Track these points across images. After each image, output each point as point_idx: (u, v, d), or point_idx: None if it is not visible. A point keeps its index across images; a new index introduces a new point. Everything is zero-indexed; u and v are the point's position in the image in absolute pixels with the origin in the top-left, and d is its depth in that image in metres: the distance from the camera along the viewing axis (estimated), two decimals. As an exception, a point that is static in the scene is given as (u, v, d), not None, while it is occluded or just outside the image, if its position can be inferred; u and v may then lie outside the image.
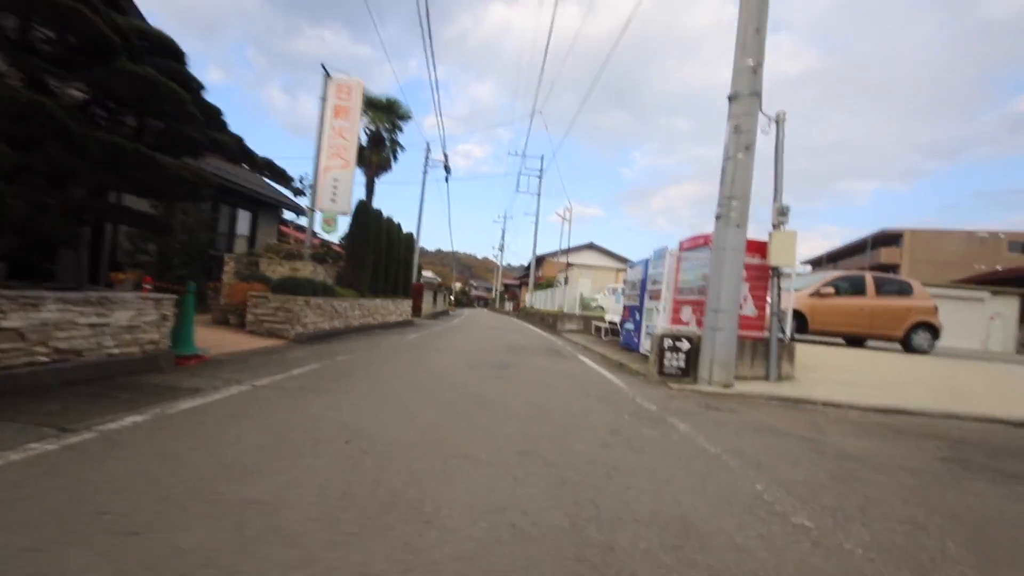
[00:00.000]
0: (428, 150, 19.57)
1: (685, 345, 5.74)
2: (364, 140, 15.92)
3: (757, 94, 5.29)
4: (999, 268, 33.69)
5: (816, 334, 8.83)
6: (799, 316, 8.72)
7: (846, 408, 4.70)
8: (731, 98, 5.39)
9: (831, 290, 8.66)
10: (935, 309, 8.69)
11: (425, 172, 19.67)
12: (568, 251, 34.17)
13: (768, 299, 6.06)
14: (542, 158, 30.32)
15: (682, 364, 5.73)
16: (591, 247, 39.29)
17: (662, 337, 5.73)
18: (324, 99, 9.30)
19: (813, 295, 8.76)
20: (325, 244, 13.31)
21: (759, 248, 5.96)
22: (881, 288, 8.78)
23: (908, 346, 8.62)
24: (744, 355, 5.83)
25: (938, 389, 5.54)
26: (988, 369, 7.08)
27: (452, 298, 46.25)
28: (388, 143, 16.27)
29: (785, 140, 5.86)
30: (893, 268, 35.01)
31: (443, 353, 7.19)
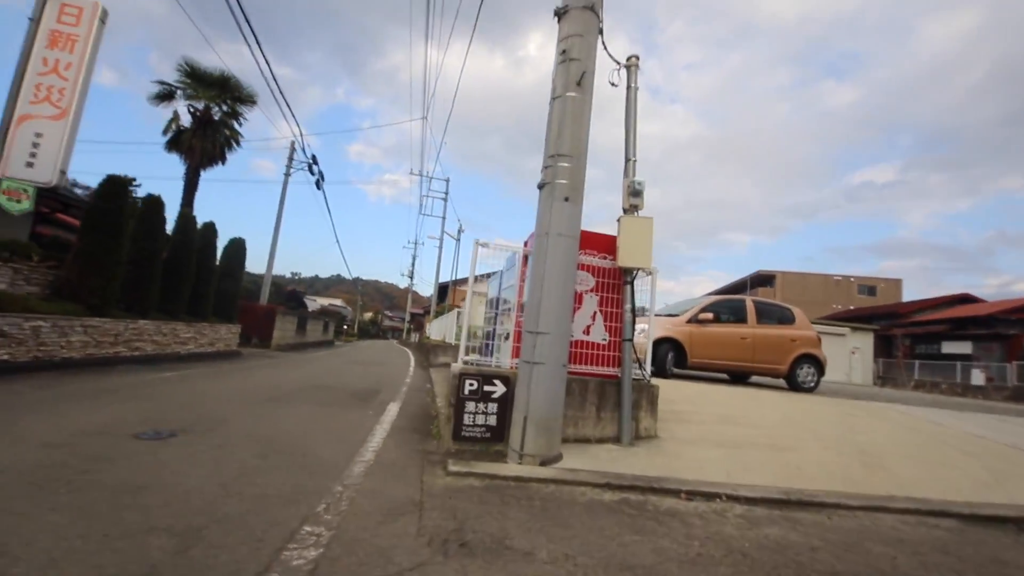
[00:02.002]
0: (293, 148, 16.50)
1: (498, 390, 3.60)
2: (187, 120, 12.58)
3: (592, 9, 3.54)
4: (852, 308, 37.98)
5: (697, 368, 7.34)
6: (677, 347, 7.18)
7: (724, 500, 2.79)
8: (559, 13, 3.60)
9: (710, 315, 7.29)
10: (819, 339, 7.70)
11: (287, 173, 16.48)
12: (477, 279, 32.14)
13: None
14: (447, 180, 28.36)
15: (492, 422, 3.56)
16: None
17: (461, 378, 3.54)
18: (36, 20, 6.26)
19: (692, 321, 7.32)
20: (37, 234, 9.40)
21: (609, 245, 4.14)
22: (763, 315, 7.62)
23: (793, 383, 7.45)
24: (587, 404, 3.83)
25: (842, 450, 3.96)
26: (880, 412, 5.96)
27: (346, 328, 41.50)
28: (224, 130, 13.05)
29: (638, 98, 4.21)
30: (769, 306, 37.85)
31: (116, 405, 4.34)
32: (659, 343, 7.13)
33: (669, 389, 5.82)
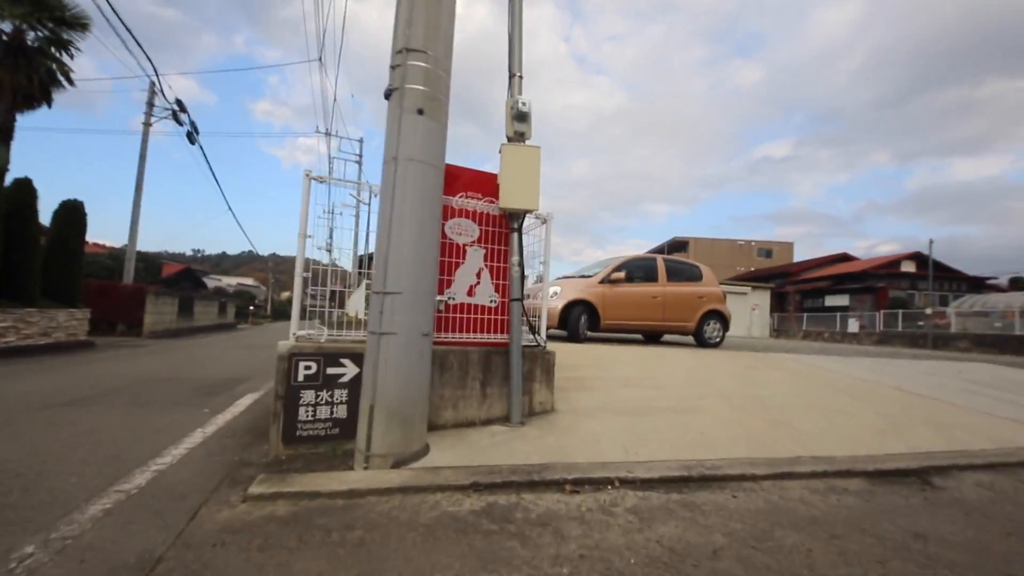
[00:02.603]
0: (152, 92, 13.63)
1: (349, 372, 2.78)
2: (-14, 50, 9.66)
3: None
4: (752, 269, 41.57)
5: (610, 331, 7.02)
6: (590, 308, 6.77)
7: (617, 486, 2.25)
8: None
9: (622, 275, 6.95)
10: (724, 296, 7.73)
11: (148, 123, 13.67)
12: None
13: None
14: (360, 140, 25.77)
15: (341, 413, 2.75)
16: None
17: (291, 360, 2.66)
18: None
19: (604, 281, 6.94)
20: None
21: (492, 186, 3.39)
22: (672, 273, 7.45)
23: (700, 339, 7.43)
24: (470, 380, 3.14)
25: (745, 407, 3.69)
26: (777, 363, 6.02)
27: (252, 308, 37.70)
28: (45, 61, 10.26)
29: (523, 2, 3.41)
30: (683, 269, 40.33)
31: None
32: (572, 305, 6.68)
33: (577, 353, 5.37)
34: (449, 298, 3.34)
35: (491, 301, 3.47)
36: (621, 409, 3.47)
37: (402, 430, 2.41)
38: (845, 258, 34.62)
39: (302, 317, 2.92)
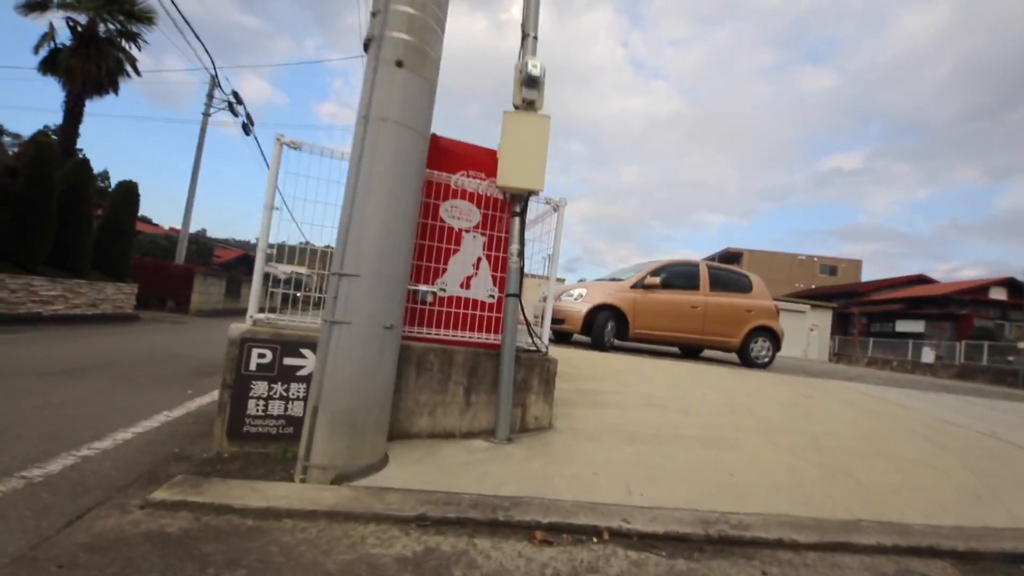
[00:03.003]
0: (213, 83, 14.35)
1: (310, 364, 2.42)
2: (66, 36, 10.43)
3: None
4: (813, 287, 38.56)
5: (639, 340, 6.37)
6: (619, 315, 6.16)
7: (606, 539, 1.73)
8: None
9: (657, 280, 6.27)
10: (776, 311, 6.85)
11: (207, 113, 14.38)
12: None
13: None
14: None
15: (297, 410, 2.40)
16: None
17: (243, 346, 2.34)
18: None
19: (636, 286, 6.30)
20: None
21: (491, 163, 2.93)
22: (717, 282, 6.67)
23: (746, 358, 6.59)
24: (451, 384, 2.69)
25: (792, 444, 3.01)
26: (837, 392, 5.14)
27: (298, 295, 39.13)
28: (114, 51, 10.93)
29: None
30: (735, 282, 37.98)
31: None
32: (598, 310, 6.11)
33: (597, 363, 4.81)
34: (440, 289, 2.93)
35: (489, 296, 3.02)
36: (634, 434, 2.91)
37: (350, 439, 2.00)
38: (922, 280, 31.25)
39: (287, 304, 2.60)
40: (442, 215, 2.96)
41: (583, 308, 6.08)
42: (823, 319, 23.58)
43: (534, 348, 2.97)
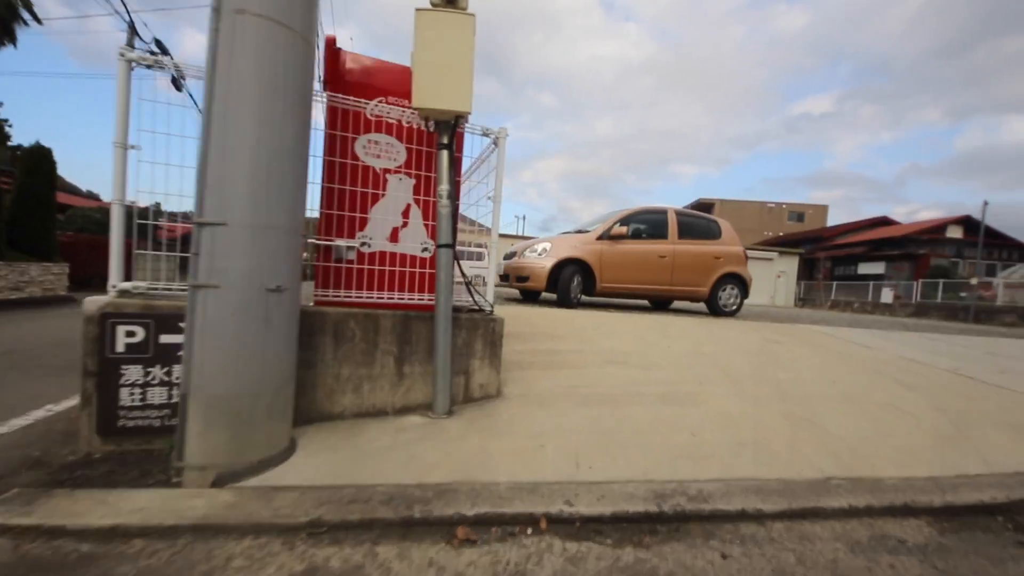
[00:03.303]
0: (132, 32, 12.63)
1: (199, 339, 2.00)
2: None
3: None
4: (782, 234, 39.34)
5: (607, 295, 6.12)
6: (585, 269, 5.86)
7: (542, 530, 1.46)
8: None
9: (624, 230, 5.95)
10: (745, 256, 6.67)
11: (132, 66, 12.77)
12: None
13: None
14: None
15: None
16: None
17: (105, 322, 1.89)
18: None
19: (603, 237, 5.97)
20: None
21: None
22: (686, 229, 6.40)
23: (714, 307, 6.46)
24: (379, 354, 2.33)
25: (759, 395, 2.81)
26: (805, 336, 5.05)
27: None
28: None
29: None
30: (706, 233, 38.37)
31: None
32: (563, 265, 5.78)
33: (560, 321, 4.53)
34: (362, 243, 2.51)
35: (423, 250, 2.62)
36: (591, 396, 2.64)
37: (233, 431, 1.64)
38: (884, 222, 32.17)
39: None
40: (358, 152, 2.50)
41: (547, 264, 5.73)
42: (790, 265, 24.09)
43: (477, 307, 2.62)
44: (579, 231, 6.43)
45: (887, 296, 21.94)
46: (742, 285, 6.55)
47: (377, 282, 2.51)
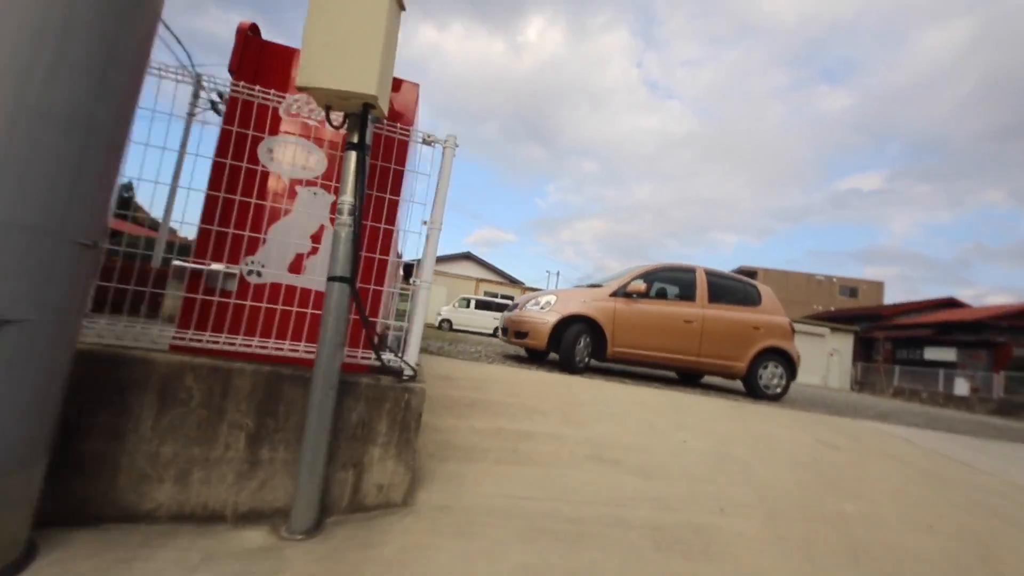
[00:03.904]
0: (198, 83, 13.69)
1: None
2: None
3: None
4: (832, 309, 36.65)
5: (620, 360, 5.19)
6: (594, 328, 5.01)
7: None
8: None
9: (643, 287, 5.11)
10: (791, 329, 5.60)
11: (192, 113, 13.71)
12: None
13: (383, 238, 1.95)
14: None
15: None
16: (468, 256, 35.89)
17: None
18: None
19: (617, 294, 5.14)
20: None
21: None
22: (718, 291, 5.48)
23: (753, 387, 5.35)
24: (224, 427, 1.59)
25: (817, 549, 1.82)
26: (873, 442, 3.90)
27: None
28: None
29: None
30: (749, 302, 36.26)
31: None
32: (569, 322, 4.97)
33: (552, 389, 3.65)
34: (250, 271, 1.86)
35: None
36: (547, 521, 1.75)
37: None
38: (952, 304, 29.21)
39: None
40: (260, 156, 1.91)
41: (550, 319, 4.94)
42: (844, 343, 21.89)
43: (389, 368, 1.85)
44: (592, 285, 5.65)
45: (962, 387, 19.24)
46: (788, 363, 5.44)
47: (265, 325, 1.83)
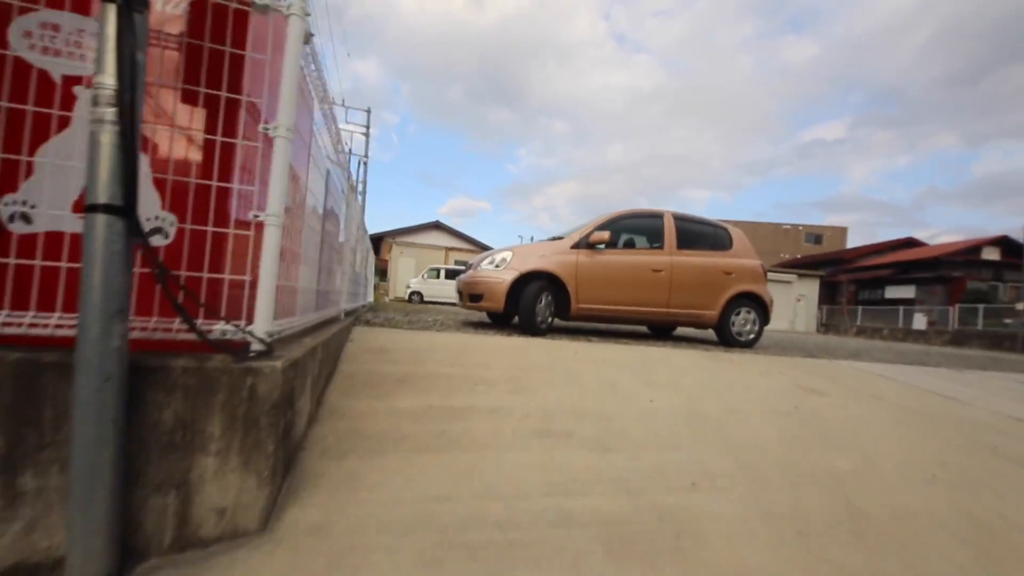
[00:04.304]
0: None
1: None
2: None
3: None
4: (799, 256, 37.57)
5: (587, 318, 4.78)
6: (556, 285, 4.56)
7: None
8: None
9: (607, 235, 4.64)
10: (763, 272, 5.28)
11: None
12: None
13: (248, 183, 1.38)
14: (368, 110, 23.67)
15: None
16: (437, 226, 34.78)
17: None
18: None
19: (579, 246, 4.67)
20: None
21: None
22: (686, 237, 5.07)
23: (726, 336, 5.05)
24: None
25: (810, 523, 1.45)
26: (852, 381, 3.64)
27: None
28: None
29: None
30: (719, 255, 36.77)
31: None
32: (527, 280, 4.49)
33: (504, 355, 3.20)
34: (11, 215, 1.27)
35: (153, 233, 1.36)
36: (469, 522, 1.30)
37: None
38: (911, 243, 30.25)
39: None
40: (12, 42, 1.29)
41: (506, 278, 4.44)
42: (810, 289, 22.39)
43: (222, 339, 1.31)
44: (554, 239, 5.15)
45: (920, 322, 20.04)
46: (761, 308, 5.15)
47: (42, 291, 1.25)
